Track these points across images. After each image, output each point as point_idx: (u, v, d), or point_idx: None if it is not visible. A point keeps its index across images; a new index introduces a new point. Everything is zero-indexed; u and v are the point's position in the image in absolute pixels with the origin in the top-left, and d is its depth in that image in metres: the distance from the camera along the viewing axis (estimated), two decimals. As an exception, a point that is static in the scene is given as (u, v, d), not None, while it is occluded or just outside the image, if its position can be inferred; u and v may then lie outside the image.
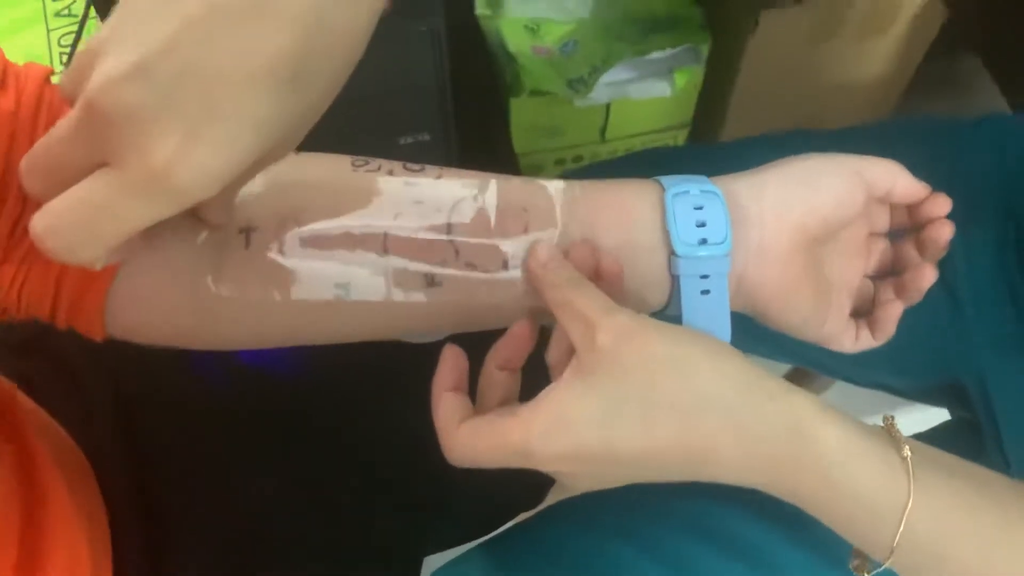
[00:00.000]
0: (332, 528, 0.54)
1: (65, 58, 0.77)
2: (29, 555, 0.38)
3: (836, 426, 0.34)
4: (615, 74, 0.95)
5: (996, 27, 0.99)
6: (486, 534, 0.58)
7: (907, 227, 0.44)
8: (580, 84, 0.95)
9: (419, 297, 0.38)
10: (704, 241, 0.39)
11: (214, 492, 0.52)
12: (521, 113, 0.97)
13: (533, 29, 0.97)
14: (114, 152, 0.27)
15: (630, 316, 0.35)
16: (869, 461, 0.34)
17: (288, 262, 0.37)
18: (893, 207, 0.44)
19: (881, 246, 0.45)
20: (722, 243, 0.39)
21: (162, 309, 0.37)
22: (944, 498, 0.34)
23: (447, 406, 0.37)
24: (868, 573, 0.38)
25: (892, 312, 0.43)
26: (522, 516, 0.59)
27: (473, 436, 0.35)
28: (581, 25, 0.98)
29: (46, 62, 0.80)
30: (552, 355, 0.38)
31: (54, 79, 0.37)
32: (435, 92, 0.68)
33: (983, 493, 0.35)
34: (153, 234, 0.32)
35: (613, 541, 0.51)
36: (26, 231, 0.35)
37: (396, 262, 0.38)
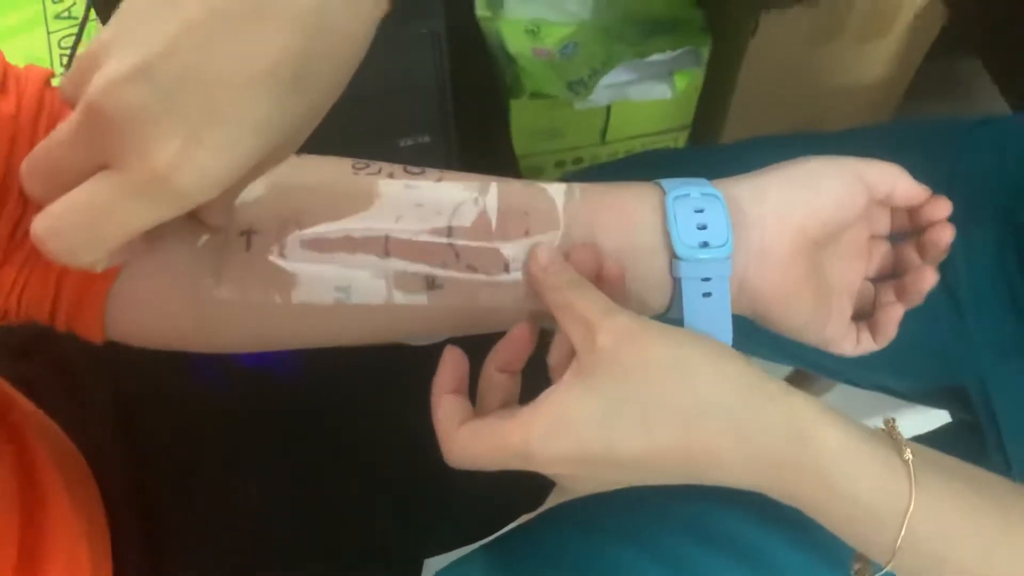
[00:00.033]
0: (333, 530, 0.54)
1: (65, 60, 0.77)
2: (29, 556, 0.38)
3: (837, 429, 0.34)
4: (615, 76, 0.95)
5: (996, 29, 0.99)
6: (487, 536, 0.58)
7: (908, 230, 0.44)
8: (580, 86, 0.95)
9: (420, 300, 0.38)
10: (705, 244, 0.38)
11: (214, 494, 0.52)
12: (521, 115, 0.97)
13: (533, 31, 0.97)
14: (115, 154, 0.27)
15: (631, 318, 0.35)
16: (870, 464, 0.34)
17: (289, 265, 0.37)
18: (894, 210, 0.44)
19: (882, 249, 0.45)
20: (723, 246, 0.38)
21: (162, 312, 0.37)
22: (945, 501, 0.34)
23: (447, 408, 0.37)
24: None
25: (893, 315, 0.43)
26: (523, 518, 0.59)
27: (473, 438, 0.35)
28: (581, 27, 0.98)
29: (46, 64, 0.80)
30: (553, 357, 0.38)
31: (54, 82, 0.37)
32: (435, 94, 0.68)
33: (984, 495, 0.35)
34: (154, 237, 0.32)
35: (614, 543, 0.51)
36: (26, 234, 0.35)
37: (397, 265, 0.38)
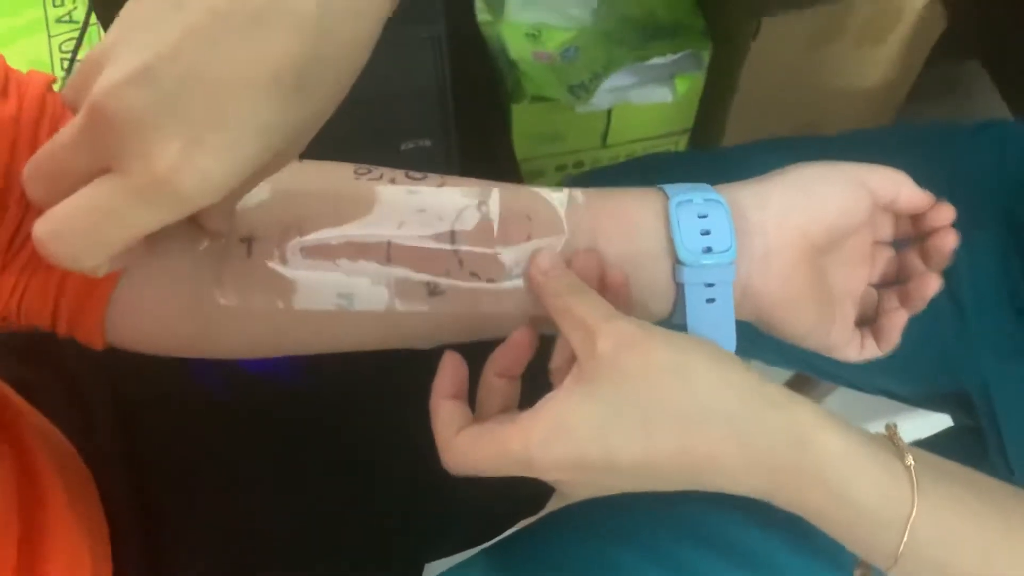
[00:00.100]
0: (332, 535, 0.54)
1: (66, 64, 0.77)
2: (29, 558, 0.38)
3: (839, 435, 0.34)
4: (616, 80, 0.96)
5: (996, 32, 0.99)
6: (487, 540, 0.58)
7: (911, 236, 0.44)
8: (581, 90, 0.95)
9: (422, 307, 0.38)
10: (709, 249, 0.38)
11: (213, 497, 0.52)
12: (522, 119, 0.97)
13: (534, 35, 0.98)
14: (118, 157, 0.27)
15: (631, 323, 0.34)
16: (872, 470, 0.34)
17: (290, 271, 0.37)
18: (897, 216, 0.44)
19: (885, 255, 0.45)
20: (727, 251, 0.38)
21: (163, 318, 0.37)
22: (947, 507, 0.34)
23: (446, 414, 0.37)
24: None
25: (897, 321, 0.43)
26: (523, 522, 0.59)
27: (472, 444, 0.35)
28: (582, 31, 0.98)
29: (47, 68, 0.80)
30: (555, 362, 0.38)
31: (55, 86, 0.37)
32: (436, 98, 0.68)
33: (986, 501, 0.35)
34: (155, 242, 0.32)
35: (614, 547, 0.51)
36: (27, 239, 0.35)
37: (399, 271, 0.38)
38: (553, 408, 0.34)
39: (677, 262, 0.39)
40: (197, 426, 0.53)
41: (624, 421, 0.33)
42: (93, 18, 0.74)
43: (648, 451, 0.33)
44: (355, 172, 0.39)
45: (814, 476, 0.33)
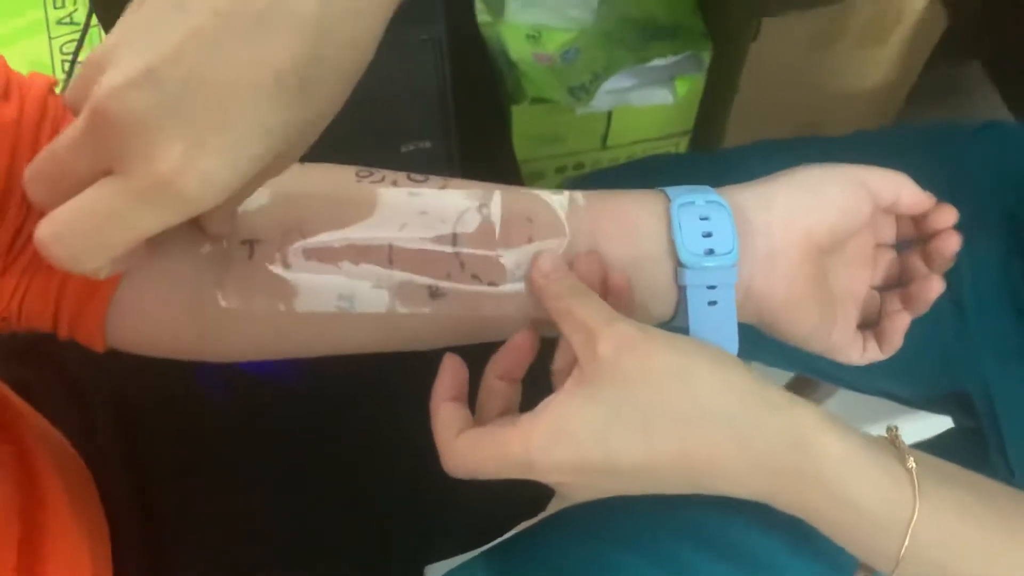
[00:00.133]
0: (332, 537, 0.54)
1: (67, 66, 0.77)
2: (29, 559, 0.38)
3: (839, 438, 0.34)
4: (616, 81, 0.96)
5: (997, 34, 0.99)
6: (487, 543, 0.58)
7: (913, 238, 0.44)
8: (581, 91, 0.95)
9: (423, 309, 0.38)
10: (711, 251, 0.38)
11: (213, 498, 0.52)
12: (522, 120, 0.97)
13: (534, 36, 0.98)
14: (120, 159, 0.27)
15: (632, 325, 0.34)
16: (873, 473, 0.34)
17: (292, 274, 0.37)
18: (899, 218, 0.44)
19: (887, 257, 0.45)
20: (729, 253, 0.38)
21: (164, 321, 0.37)
22: (949, 510, 0.34)
23: (445, 416, 0.37)
24: None
25: (899, 323, 0.43)
26: (523, 524, 0.59)
27: (472, 447, 0.35)
28: (582, 33, 0.98)
29: (48, 70, 0.80)
30: (557, 365, 0.38)
31: (56, 88, 0.37)
32: (436, 99, 0.68)
33: (987, 504, 0.35)
34: (157, 244, 0.32)
35: (614, 549, 0.51)
36: (27, 242, 0.35)
37: (400, 274, 0.38)
38: (554, 411, 0.34)
39: (679, 264, 0.39)
40: (198, 427, 0.53)
41: (625, 424, 0.33)
42: (94, 20, 0.74)
43: (649, 453, 0.33)
44: (357, 174, 0.39)
45: (815, 479, 0.33)
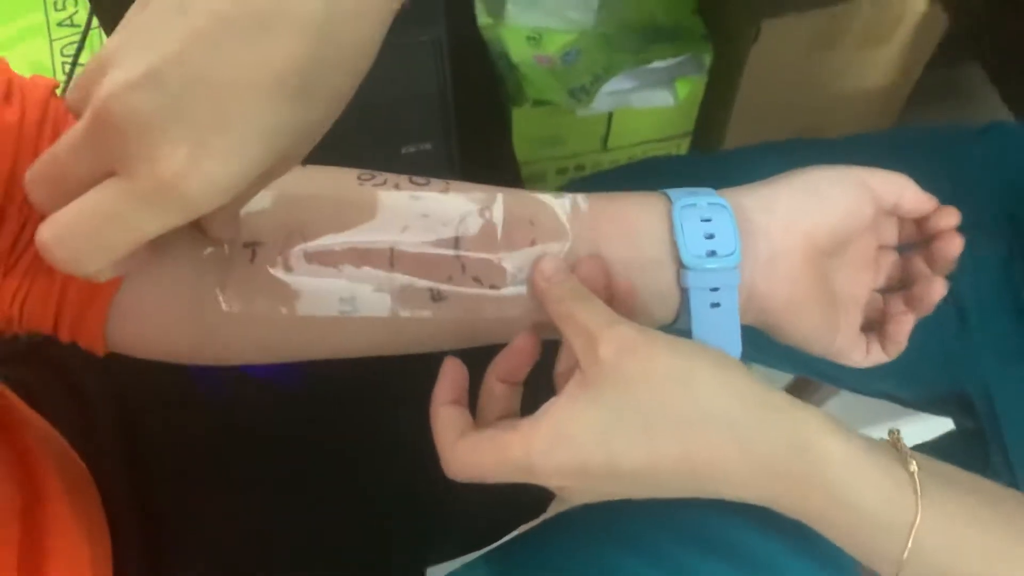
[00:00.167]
0: (333, 539, 0.53)
1: (67, 68, 0.77)
2: (29, 560, 0.38)
3: (841, 441, 0.34)
4: (617, 83, 0.96)
5: (998, 36, 0.99)
6: (488, 545, 0.58)
7: (916, 240, 0.44)
8: (582, 93, 0.95)
9: (425, 313, 0.38)
10: (713, 253, 0.38)
11: (214, 500, 0.52)
12: (523, 122, 0.97)
13: (535, 39, 0.98)
14: (122, 161, 0.27)
15: (633, 328, 0.34)
16: (876, 476, 0.34)
17: (293, 277, 0.37)
18: (902, 220, 0.44)
19: (890, 259, 0.45)
20: (731, 255, 0.38)
21: (165, 324, 0.37)
22: (952, 514, 0.34)
23: (446, 419, 0.37)
24: None
25: (903, 325, 0.43)
26: (524, 527, 0.59)
27: (472, 450, 0.35)
28: (583, 35, 0.98)
29: (48, 72, 0.80)
30: (560, 368, 0.37)
31: (58, 91, 0.37)
32: (437, 101, 0.68)
33: (990, 507, 0.35)
34: (158, 246, 0.32)
35: (616, 551, 0.51)
36: (28, 244, 0.35)
37: (402, 277, 0.37)
38: (555, 414, 0.34)
39: (681, 266, 0.39)
40: (198, 428, 0.53)
41: (626, 427, 0.33)
42: (95, 22, 0.74)
43: (650, 457, 0.33)
44: (359, 177, 0.39)
45: (817, 482, 0.33)
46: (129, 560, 0.46)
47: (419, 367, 0.40)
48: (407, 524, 0.56)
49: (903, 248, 0.45)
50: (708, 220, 0.39)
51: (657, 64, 0.95)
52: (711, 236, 0.38)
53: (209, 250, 0.37)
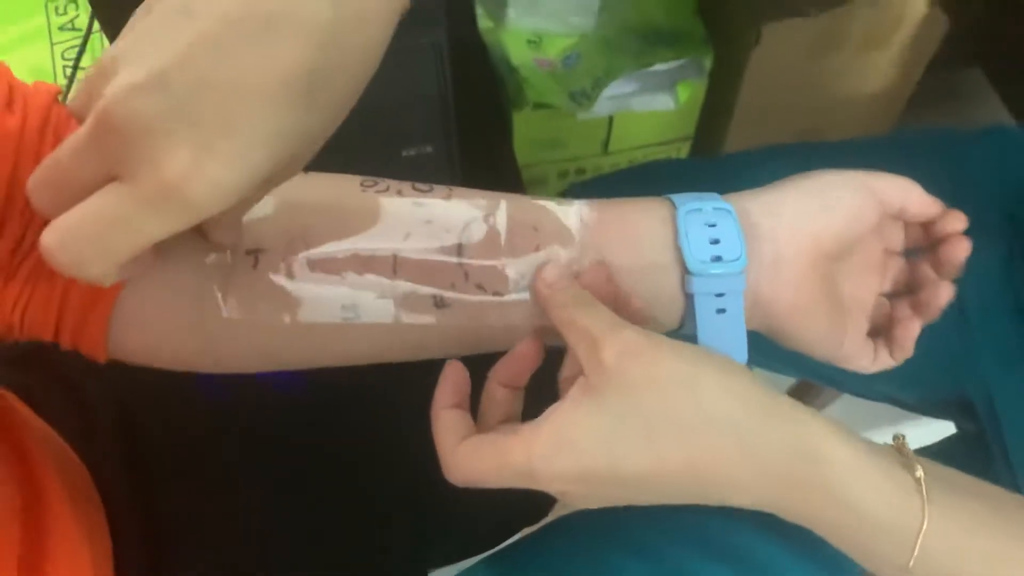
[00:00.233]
0: (333, 542, 0.53)
1: (69, 72, 0.77)
2: (30, 563, 0.38)
3: (847, 446, 0.34)
4: (618, 87, 0.96)
5: (998, 38, 0.99)
6: (489, 548, 0.58)
7: (922, 245, 0.44)
8: (583, 97, 0.95)
9: (428, 320, 0.38)
10: (718, 258, 0.38)
11: (215, 502, 0.52)
12: (524, 126, 0.97)
13: (536, 42, 0.98)
14: (126, 165, 0.27)
15: (637, 332, 0.34)
16: (881, 482, 0.34)
17: (296, 284, 0.37)
18: (907, 225, 0.44)
19: (896, 264, 0.44)
20: (737, 260, 0.38)
21: (167, 331, 0.37)
22: (958, 519, 0.34)
23: (447, 423, 0.37)
24: None
25: (910, 330, 0.43)
26: (526, 530, 0.59)
27: (473, 455, 0.35)
28: (583, 38, 0.98)
29: (50, 76, 0.80)
30: (563, 375, 0.37)
31: (60, 98, 0.37)
32: (438, 104, 0.68)
33: (996, 512, 0.35)
34: (161, 251, 0.32)
35: (618, 554, 0.51)
36: (29, 251, 0.35)
37: (405, 284, 0.37)
38: (557, 419, 0.34)
39: (686, 272, 0.38)
40: (198, 429, 0.53)
41: (628, 431, 0.33)
42: (96, 26, 0.74)
43: (654, 463, 0.33)
44: (361, 184, 0.39)
45: (822, 489, 0.33)
46: (129, 561, 0.46)
47: (420, 370, 0.40)
48: (407, 527, 0.56)
49: (909, 253, 0.45)
50: (713, 225, 0.38)
51: (658, 68, 0.95)
52: (716, 241, 0.38)
53: (211, 257, 0.36)
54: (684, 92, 0.98)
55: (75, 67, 0.75)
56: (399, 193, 0.39)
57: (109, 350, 0.37)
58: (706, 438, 0.33)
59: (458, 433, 0.36)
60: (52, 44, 0.82)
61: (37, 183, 0.29)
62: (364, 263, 0.37)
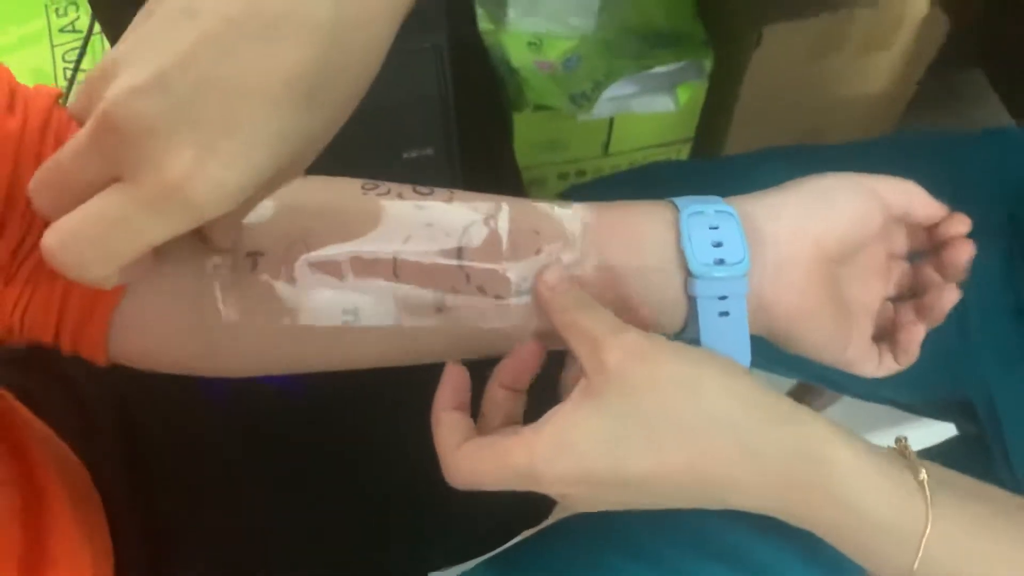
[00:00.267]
0: (333, 544, 0.53)
1: (69, 74, 0.77)
2: (30, 566, 0.38)
3: (850, 449, 0.34)
4: (618, 89, 0.96)
5: (998, 40, 0.99)
6: (489, 551, 0.58)
7: (927, 248, 0.44)
8: (583, 99, 0.95)
9: (429, 323, 0.38)
10: (721, 261, 0.38)
11: (216, 504, 0.52)
12: (524, 128, 0.97)
13: (536, 44, 0.98)
14: (128, 166, 0.27)
15: (640, 334, 0.34)
16: (885, 485, 0.33)
17: (296, 287, 0.37)
18: (911, 229, 0.44)
19: (901, 268, 0.44)
20: (740, 262, 0.38)
21: (167, 334, 0.37)
22: (962, 522, 0.34)
23: (448, 425, 0.36)
24: None
25: (915, 334, 0.43)
26: (526, 533, 0.59)
27: (474, 457, 0.35)
28: (584, 40, 0.98)
29: (50, 78, 0.80)
30: (567, 378, 0.37)
31: (61, 100, 0.37)
32: (438, 106, 0.68)
33: (1000, 515, 0.35)
34: (162, 254, 0.32)
35: (617, 557, 0.51)
36: (30, 252, 0.35)
37: (406, 287, 0.37)
38: (558, 422, 0.34)
39: (689, 275, 0.38)
40: (198, 429, 0.53)
41: (631, 433, 0.33)
42: (96, 28, 0.75)
43: (656, 465, 0.32)
44: (362, 187, 0.39)
45: (822, 489, 0.33)
46: (129, 561, 0.46)
47: (420, 370, 0.40)
48: (407, 527, 0.56)
49: (913, 257, 0.45)
50: (715, 228, 0.38)
51: (658, 69, 0.95)
52: (719, 244, 0.38)
53: (211, 260, 0.36)
54: (684, 94, 0.98)
55: (76, 69, 0.75)
56: (400, 196, 0.39)
57: (109, 353, 0.37)
58: (708, 441, 0.33)
59: (459, 435, 0.36)
60: (53, 46, 0.82)
61: (38, 184, 0.29)
62: (365, 266, 0.37)
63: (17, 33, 0.82)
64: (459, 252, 0.38)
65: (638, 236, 0.39)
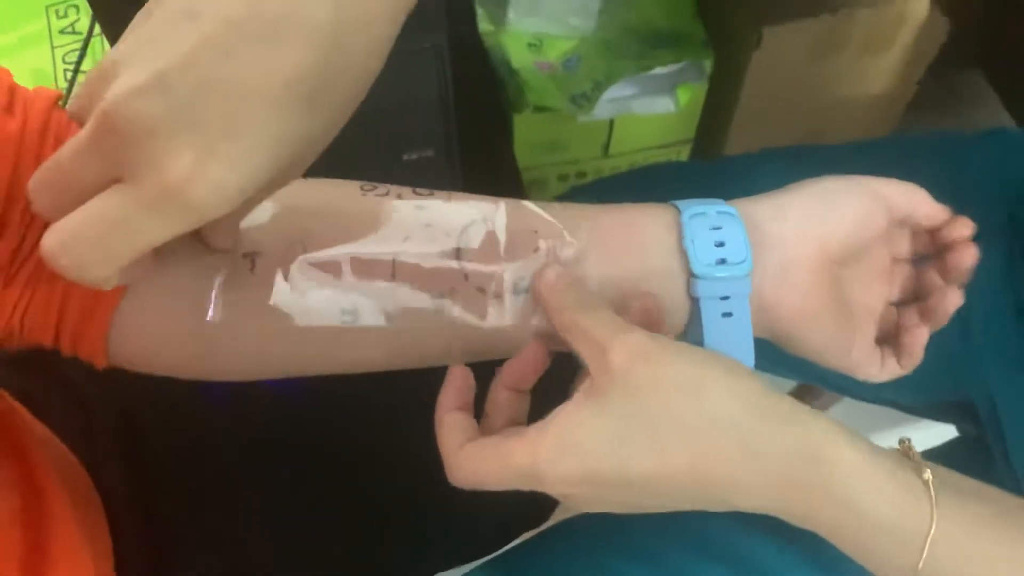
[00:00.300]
0: (334, 546, 0.53)
1: (69, 76, 0.77)
2: (31, 569, 0.38)
3: (850, 448, 0.33)
4: (618, 90, 0.96)
5: (999, 41, 0.99)
6: (490, 552, 0.58)
7: (930, 251, 0.43)
8: (583, 100, 0.95)
9: (428, 323, 0.38)
10: (723, 261, 0.38)
11: (216, 506, 0.52)
12: (524, 129, 0.97)
13: (536, 45, 0.98)
14: (129, 167, 0.27)
15: (644, 335, 0.34)
16: (889, 485, 0.33)
17: (295, 288, 0.37)
18: (915, 232, 0.44)
19: (904, 272, 0.44)
20: (742, 263, 0.38)
21: (166, 336, 0.37)
22: (966, 523, 0.34)
23: (451, 426, 0.36)
24: None
25: (918, 338, 0.43)
26: (527, 534, 0.59)
27: (477, 457, 0.35)
28: (584, 41, 0.98)
29: (50, 80, 0.80)
30: (576, 383, 0.37)
31: (60, 102, 0.37)
32: (438, 108, 0.68)
33: (1000, 516, 0.35)
34: (161, 255, 0.32)
35: (618, 560, 0.51)
36: (29, 254, 0.35)
37: (405, 288, 0.37)
38: (562, 422, 0.33)
39: (691, 276, 0.38)
40: (198, 430, 0.53)
41: (634, 433, 0.32)
42: (97, 29, 0.75)
43: (659, 465, 0.32)
44: (361, 188, 0.39)
45: (823, 489, 0.33)
46: (129, 561, 0.46)
47: (423, 373, 0.40)
48: (408, 528, 0.56)
49: (916, 261, 0.44)
50: (718, 228, 0.38)
51: (658, 71, 0.95)
52: (721, 244, 0.38)
53: (210, 261, 0.36)
54: (684, 95, 0.98)
55: (76, 71, 0.76)
56: (399, 197, 0.39)
57: (109, 355, 0.37)
58: (708, 440, 0.33)
59: (462, 436, 0.36)
60: (53, 48, 0.82)
61: (38, 185, 0.29)
62: (364, 267, 0.37)
63: (17, 34, 0.82)
64: (458, 253, 0.38)
65: (640, 237, 0.39)
